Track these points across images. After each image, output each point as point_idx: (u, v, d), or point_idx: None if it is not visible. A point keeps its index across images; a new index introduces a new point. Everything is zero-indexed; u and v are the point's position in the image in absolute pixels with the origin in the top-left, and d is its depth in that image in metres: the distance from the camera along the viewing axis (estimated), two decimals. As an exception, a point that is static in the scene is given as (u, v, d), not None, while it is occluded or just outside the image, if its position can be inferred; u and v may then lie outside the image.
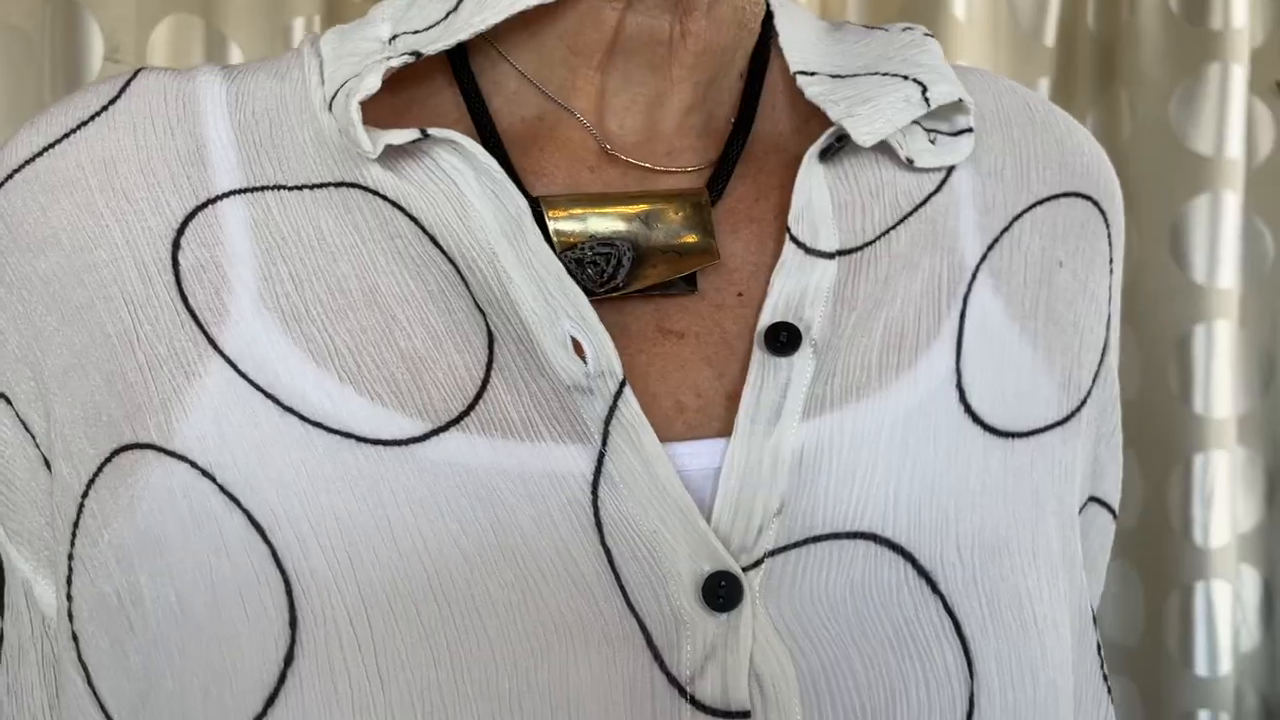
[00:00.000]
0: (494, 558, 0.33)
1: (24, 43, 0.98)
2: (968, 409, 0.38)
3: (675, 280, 0.37)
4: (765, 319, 0.37)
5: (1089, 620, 0.40)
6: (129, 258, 0.36)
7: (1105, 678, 0.41)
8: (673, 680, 0.33)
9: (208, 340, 0.35)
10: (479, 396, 0.35)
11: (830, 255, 0.38)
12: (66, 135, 0.38)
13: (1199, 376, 1.24)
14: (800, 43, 0.41)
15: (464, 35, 0.37)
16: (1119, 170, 1.43)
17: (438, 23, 0.38)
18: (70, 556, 0.36)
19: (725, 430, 0.36)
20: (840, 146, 0.40)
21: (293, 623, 0.32)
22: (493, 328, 0.35)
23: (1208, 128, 1.21)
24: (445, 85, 0.40)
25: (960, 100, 0.40)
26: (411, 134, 0.36)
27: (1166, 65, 1.23)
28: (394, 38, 0.38)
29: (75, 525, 0.36)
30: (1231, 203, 1.22)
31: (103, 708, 0.35)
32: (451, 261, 0.36)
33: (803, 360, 0.36)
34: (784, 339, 0.36)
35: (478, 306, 0.36)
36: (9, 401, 0.38)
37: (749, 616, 0.33)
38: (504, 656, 0.32)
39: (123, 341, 0.36)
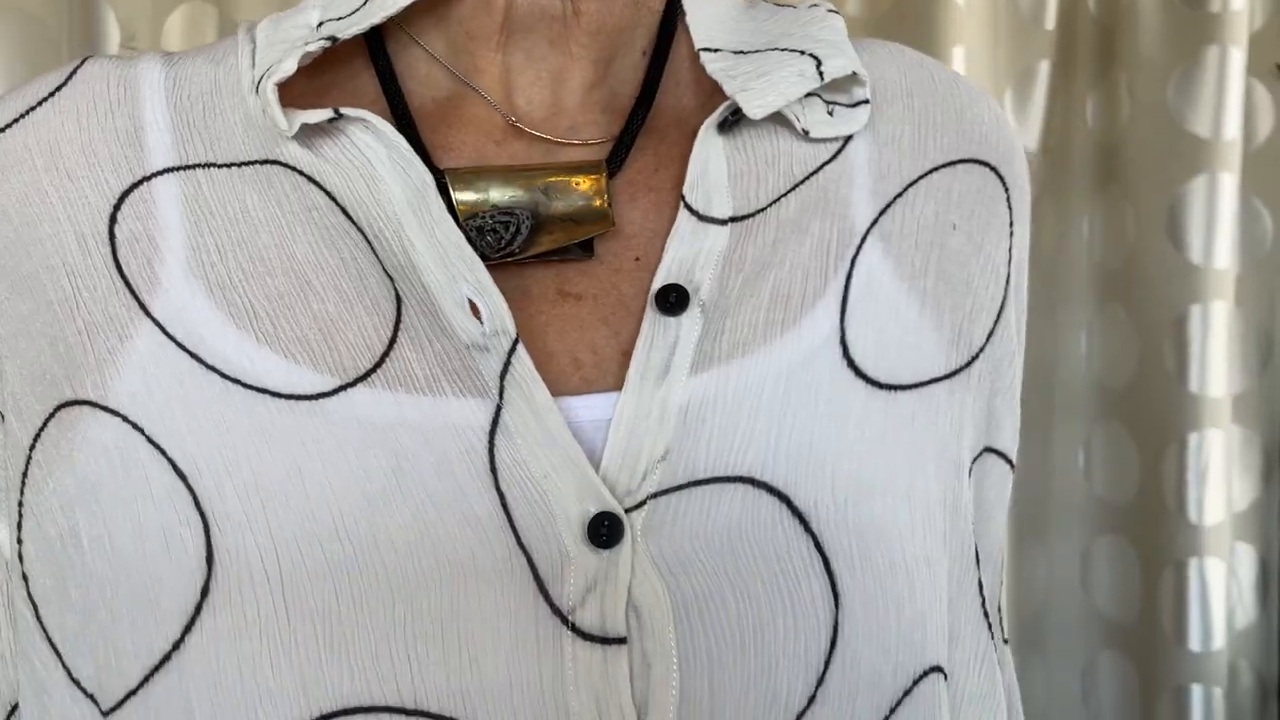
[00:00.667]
0: (394, 501, 0.36)
1: (42, 31, 1.00)
2: (850, 363, 0.40)
3: (573, 246, 0.40)
4: (658, 282, 0.40)
5: (971, 560, 0.42)
6: (70, 231, 0.40)
7: (987, 614, 0.44)
8: (556, 610, 0.36)
9: (139, 306, 0.39)
10: (386, 355, 0.38)
11: (723, 222, 0.41)
12: (16, 120, 0.41)
13: (1195, 356, 1.25)
14: (708, 20, 0.44)
15: (375, 20, 0.40)
16: (1117, 152, 1.43)
17: (358, 9, 0.41)
18: (20, 504, 0.39)
19: (619, 385, 0.39)
20: (740, 119, 0.42)
21: (209, 559, 0.36)
22: (400, 292, 0.39)
23: (1205, 110, 1.22)
24: (364, 68, 0.43)
25: (855, 73, 0.43)
26: (325, 113, 0.39)
27: (1165, 48, 1.24)
28: (321, 23, 0.41)
29: (24, 475, 0.39)
30: (1229, 184, 1.23)
31: (49, 638, 0.39)
32: (361, 232, 0.39)
33: (690, 320, 0.39)
34: (673, 300, 0.39)
35: (386, 273, 0.39)
36: None
37: (628, 553, 0.36)
38: (399, 589, 0.35)
39: (64, 308, 0.39)
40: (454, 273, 0.38)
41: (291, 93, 0.41)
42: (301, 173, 0.40)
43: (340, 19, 0.41)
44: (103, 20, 1.03)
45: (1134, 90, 1.25)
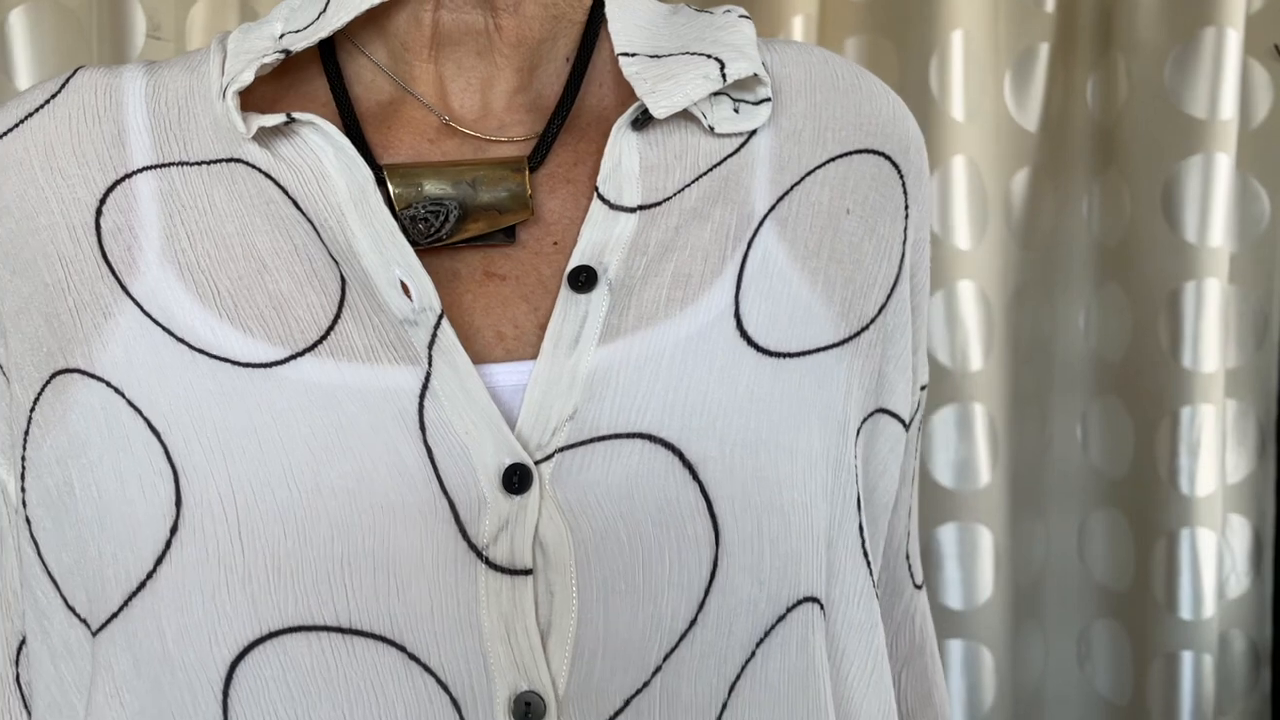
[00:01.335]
0: (336, 454, 0.42)
1: (73, 22, 1.05)
2: (743, 334, 0.45)
3: (497, 233, 0.46)
4: (571, 264, 0.45)
5: (853, 508, 0.47)
6: (63, 223, 0.46)
7: (866, 555, 0.49)
8: (472, 546, 0.42)
9: (121, 288, 0.45)
10: (330, 329, 0.43)
11: (631, 210, 0.46)
12: (17, 125, 0.47)
13: (1188, 333, 1.27)
14: (628, 27, 0.49)
15: (324, 33, 0.46)
16: (1114, 132, 1.44)
17: (312, 23, 0.47)
18: (23, 459, 0.46)
19: (536, 354, 0.44)
20: (652, 117, 0.47)
21: (178, 503, 0.42)
22: (344, 275, 0.44)
23: (1202, 91, 1.24)
24: (318, 74, 0.49)
25: (756, 75, 0.48)
26: (279, 118, 0.45)
27: (1163, 30, 1.25)
28: (283, 34, 0.47)
29: (26, 434, 0.46)
30: (1223, 164, 1.25)
31: (49, 572, 0.46)
32: (311, 222, 0.45)
33: (599, 297, 0.44)
34: (583, 280, 0.44)
35: (332, 258, 0.45)
36: None
37: (536, 498, 0.42)
38: (338, 528, 0.41)
39: (57, 290, 0.45)
40: (388, 257, 0.44)
41: (255, 96, 0.46)
42: (260, 170, 0.46)
43: (298, 31, 0.47)
44: (130, 12, 1.08)
45: (1132, 72, 1.27)
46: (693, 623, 0.42)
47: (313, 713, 0.41)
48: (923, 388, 0.55)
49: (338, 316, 0.44)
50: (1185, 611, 1.29)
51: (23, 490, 0.46)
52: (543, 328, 0.45)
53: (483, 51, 0.47)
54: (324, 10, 0.46)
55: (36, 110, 0.47)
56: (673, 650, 0.42)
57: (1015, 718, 1.35)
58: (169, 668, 0.42)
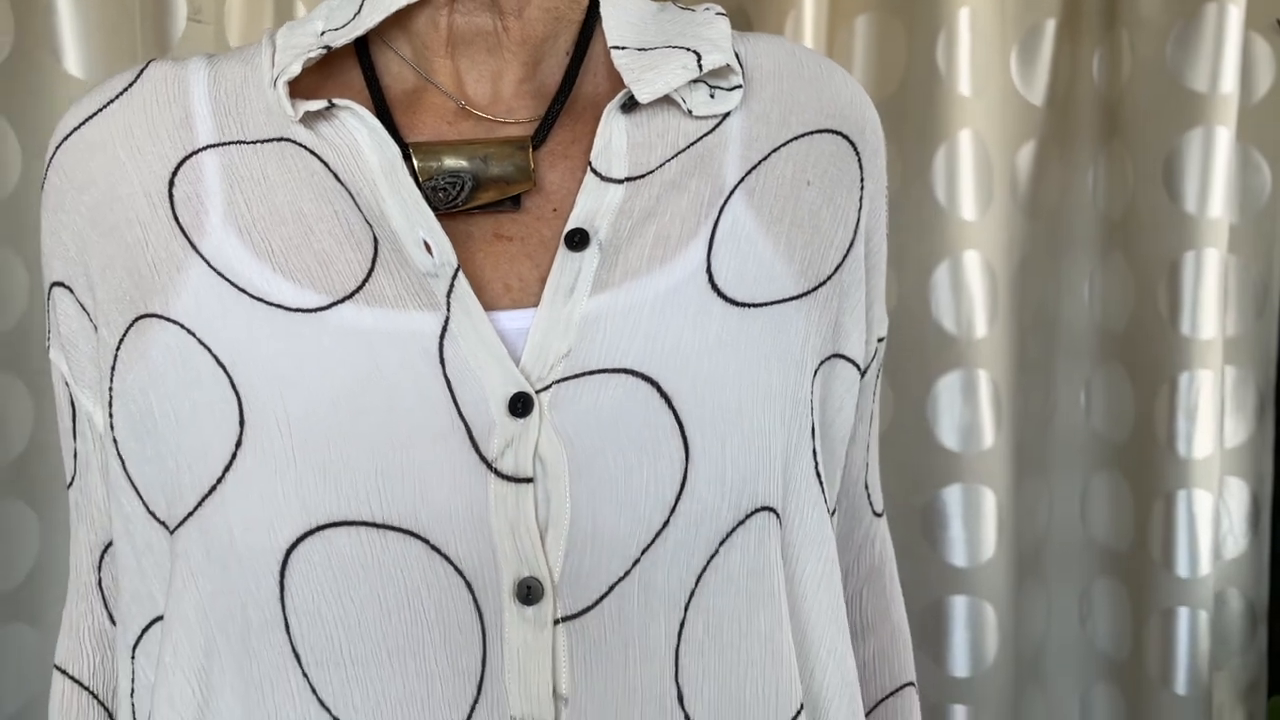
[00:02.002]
0: (371, 385, 0.50)
1: (117, 4, 1.10)
2: (714, 287, 0.53)
3: (505, 200, 0.54)
4: (568, 227, 0.53)
5: (807, 436, 0.55)
6: (140, 192, 0.54)
7: (819, 477, 0.56)
8: (483, 459, 0.50)
9: (191, 246, 0.53)
10: (366, 281, 0.52)
11: (620, 181, 0.54)
12: (100, 110, 0.56)
13: (1186, 301, 1.30)
14: (620, 24, 0.57)
15: (359, 32, 0.54)
16: (1118, 107, 1.46)
17: (348, 22, 0.55)
18: (110, 390, 0.55)
19: (538, 303, 0.52)
20: (638, 102, 0.55)
21: (241, 423, 0.50)
22: (377, 236, 0.52)
23: (1203, 65, 1.26)
24: (353, 66, 0.57)
25: (729, 65, 0.55)
26: (321, 104, 0.53)
27: (1166, 5, 1.28)
28: (324, 32, 0.55)
29: (113, 369, 0.54)
30: (1224, 137, 1.27)
31: (133, 483, 0.54)
32: (349, 191, 0.53)
33: (590, 255, 0.52)
34: (578, 240, 0.52)
35: (367, 222, 0.53)
36: (71, 290, 0.57)
37: (536, 420, 0.50)
38: (374, 445, 0.49)
39: (137, 248, 0.54)
40: (413, 221, 0.52)
41: (300, 84, 0.55)
42: (306, 148, 0.54)
43: (337, 29, 0.55)
44: (173, -6, 1.13)
45: (1136, 47, 1.29)
46: (666, 524, 0.50)
47: (352, 592, 0.49)
48: (880, 339, 0.62)
49: (371, 270, 0.52)
50: (1182, 570, 1.32)
51: (110, 416, 0.55)
52: (543, 281, 0.52)
53: (493, 49, 0.55)
54: (359, 11, 0.54)
55: (116, 97, 0.56)
56: (649, 546, 0.50)
57: (1018, 672, 1.39)
58: (235, 555, 0.50)
